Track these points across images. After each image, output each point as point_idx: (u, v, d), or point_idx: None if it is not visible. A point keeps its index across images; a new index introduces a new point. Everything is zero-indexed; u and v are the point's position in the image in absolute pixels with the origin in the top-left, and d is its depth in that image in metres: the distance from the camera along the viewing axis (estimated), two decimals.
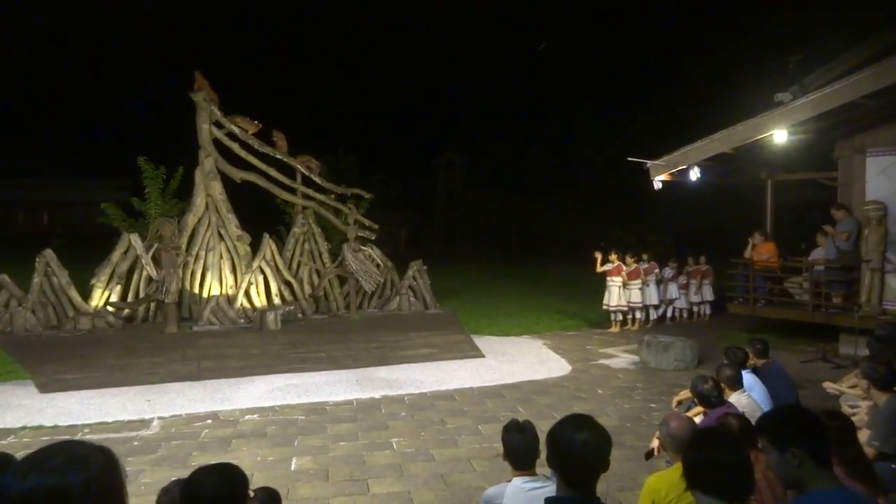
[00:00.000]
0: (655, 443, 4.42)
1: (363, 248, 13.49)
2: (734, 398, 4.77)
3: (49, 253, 11.41)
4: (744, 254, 11.91)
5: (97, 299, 11.54)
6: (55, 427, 6.65)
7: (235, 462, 4.97)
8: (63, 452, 1.25)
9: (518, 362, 9.80)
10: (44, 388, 8.01)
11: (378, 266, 13.56)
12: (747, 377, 5.33)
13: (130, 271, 11.90)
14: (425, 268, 14.36)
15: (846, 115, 9.80)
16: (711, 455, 2.18)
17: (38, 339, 10.42)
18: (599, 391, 8.25)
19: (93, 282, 11.59)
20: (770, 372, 6.02)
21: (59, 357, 9.23)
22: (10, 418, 6.86)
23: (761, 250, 11.80)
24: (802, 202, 15.26)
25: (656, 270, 13.21)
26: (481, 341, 11.06)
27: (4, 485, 1.18)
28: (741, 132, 10.32)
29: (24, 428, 6.58)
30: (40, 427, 6.61)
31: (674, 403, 6.22)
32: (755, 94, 13.62)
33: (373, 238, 13.82)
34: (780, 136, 10.05)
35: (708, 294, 13.92)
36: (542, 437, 2.49)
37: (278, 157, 13.17)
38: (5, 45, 39.59)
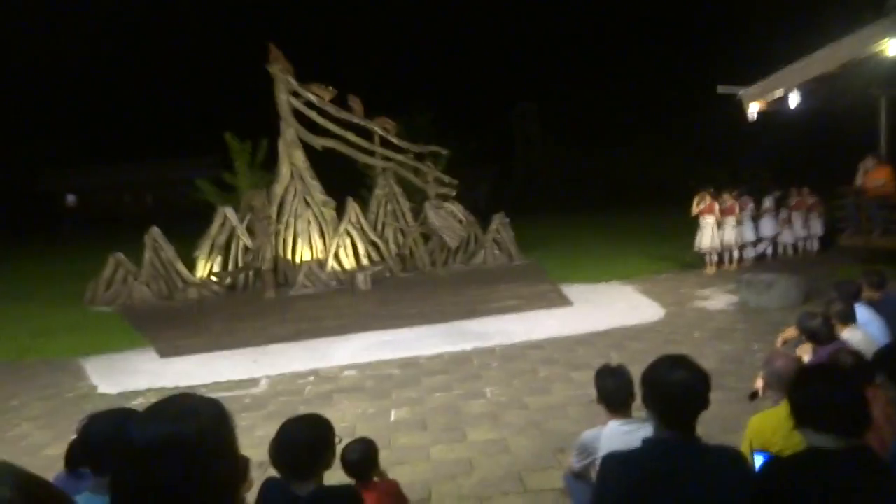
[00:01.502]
0: (759, 383, 4.22)
1: (445, 204, 13.56)
2: (847, 334, 4.45)
3: (155, 230, 12.27)
4: (854, 181, 10.95)
5: (201, 270, 12.36)
6: (176, 388, 7.24)
7: (339, 414, 5.19)
8: (176, 403, 1.33)
9: (608, 309, 9.61)
10: (163, 353, 8.73)
11: (460, 221, 13.60)
12: (862, 311, 4.94)
13: (228, 242, 12.62)
14: (507, 220, 14.27)
15: None
16: (821, 390, 2.03)
17: (154, 310, 11.33)
18: (696, 334, 7.97)
19: (196, 254, 12.40)
20: (888, 305, 5.56)
21: (174, 325, 10.01)
22: (138, 381, 7.57)
23: (875, 176, 10.80)
24: None
25: (750, 205, 12.44)
26: (569, 290, 10.91)
27: (129, 434, 1.28)
28: (848, 46, 9.32)
29: (149, 389, 7.23)
30: (163, 389, 7.23)
31: (779, 342, 5.89)
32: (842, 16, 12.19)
33: (453, 194, 13.84)
34: (894, 48, 9.01)
35: (816, 228, 12.93)
36: (636, 382, 2.43)
37: (355, 121, 13.34)
38: (90, 40, 41.82)
